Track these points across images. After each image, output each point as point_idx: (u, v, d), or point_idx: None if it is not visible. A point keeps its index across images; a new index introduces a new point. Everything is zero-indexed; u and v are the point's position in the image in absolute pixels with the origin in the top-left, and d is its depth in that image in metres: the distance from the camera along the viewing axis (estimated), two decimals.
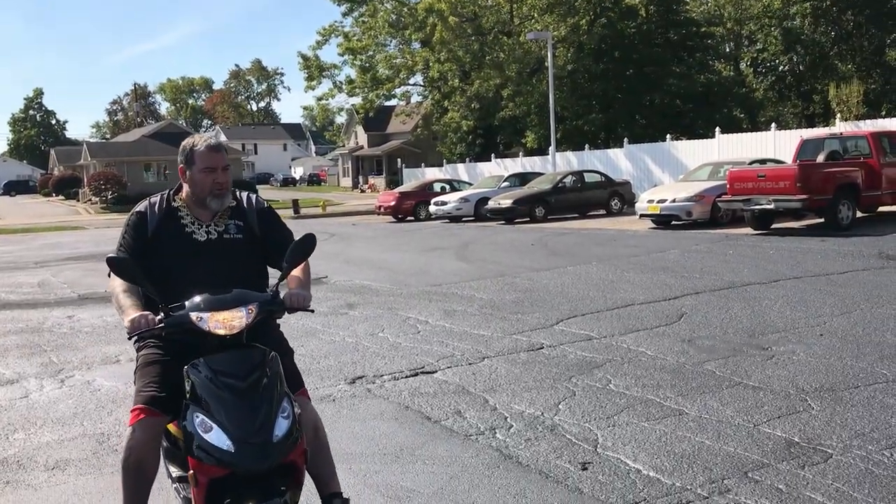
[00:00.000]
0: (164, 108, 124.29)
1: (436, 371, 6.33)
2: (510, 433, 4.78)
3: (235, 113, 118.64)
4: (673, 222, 18.38)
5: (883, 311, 7.53)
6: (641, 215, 19.06)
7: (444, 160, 46.40)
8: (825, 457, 4.11)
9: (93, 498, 4.11)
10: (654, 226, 18.81)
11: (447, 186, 30.93)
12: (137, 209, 3.24)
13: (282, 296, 2.98)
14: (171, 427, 2.98)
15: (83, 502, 4.07)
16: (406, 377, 6.19)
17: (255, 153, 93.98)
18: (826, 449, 4.21)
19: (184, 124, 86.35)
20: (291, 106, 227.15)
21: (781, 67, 44.19)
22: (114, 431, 5.18)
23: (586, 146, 33.93)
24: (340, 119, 69.49)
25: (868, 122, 23.11)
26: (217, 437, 2.58)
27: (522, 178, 27.71)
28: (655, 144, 29.64)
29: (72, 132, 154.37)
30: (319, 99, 49.63)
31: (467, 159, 43.18)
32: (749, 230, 16.08)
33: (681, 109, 40.71)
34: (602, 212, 24.37)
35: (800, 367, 5.81)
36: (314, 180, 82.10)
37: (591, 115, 40.04)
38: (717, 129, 27.04)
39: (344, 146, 73.06)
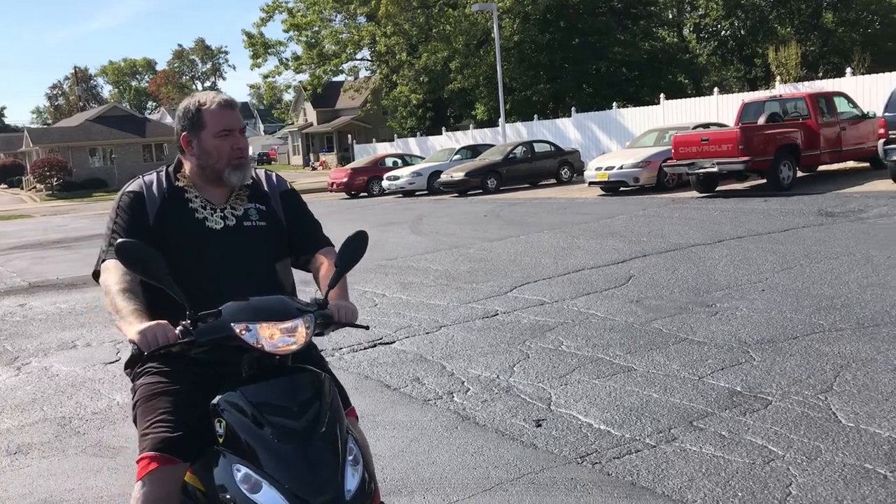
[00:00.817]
0: (106, 91, 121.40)
1: (394, 341, 6.46)
2: (467, 396, 4.94)
3: (181, 94, 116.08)
4: (621, 188, 18.70)
5: (821, 266, 7.85)
6: (590, 183, 19.34)
7: (395, 135, 46.28)
8: (765, 403, 4.34)
9: (58, 479, 4.17)
10: (603, 193, 19.11)
11: (399, 161, 30.93)
12: (130, 188, 2.55)
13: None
14: (188, 476, 2.27)
15: (49, 483, 4.13)
16: (365, 349, 6.31)
17: None
18: (766, 396, 4.45)
19: (128, 107, 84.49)
20: (237, 85, 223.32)
21: (723, 32, 44.85)
22: (75, 415, 5.22)
23: (535, 116, 34.15)
24: (288, 96, 68.61)
25: (806, 83, 23.67)
26: (269, 499, 1.98)
27: (474, 151, 27.82)
28: (602, 113, 29.97)
29: (11, 118, 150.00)
30: (266, 77, 48.92)
31: (418, 133, 43.13)
32: (694, 193, 16.45)
33: (626, 77, 41.13)
34: (552, 181, 24.64)
35: (742, 322, 6.07)
36: (264, 159, 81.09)
37: (538, 85, 40.23)
38: (662, 95, 27.43)
39: (293, 124, 72.24)
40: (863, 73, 23.73)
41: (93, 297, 10.12)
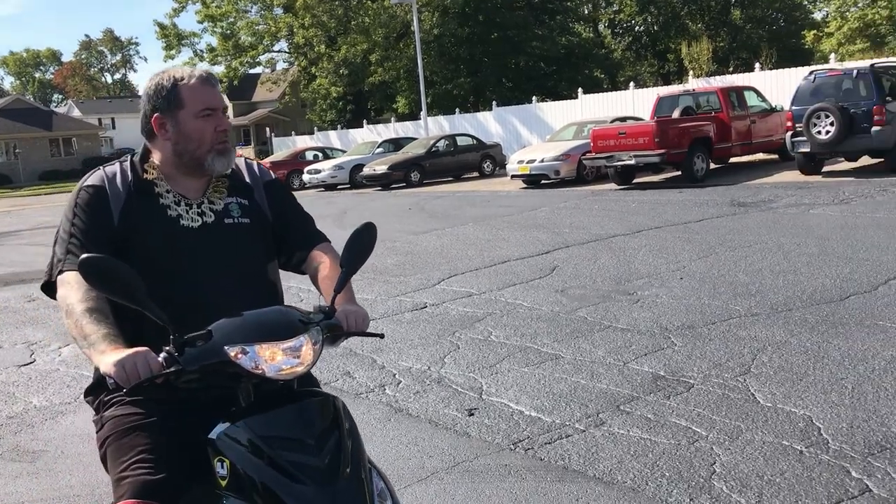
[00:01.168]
0: (7, 82, 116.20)
1: None
2: (399, 388, 4.96)
3: (89, 86, 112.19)
4: (542, 181, 18.98)
5: (735, 254, 8.16)
6: (513, 176, 19.57)
7: (315, 128, 45.78)
8: (688, 386, 4.50)
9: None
10: (524, 186, 19.36)
11: (320, 154, 30.62)
12: (89, 182, 2.15)
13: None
14: None
15: None
16: None
17: (113, 128, 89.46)
18: (688, 380, 4.61)
19: (31, 99, 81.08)
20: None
21: (637, 28, 46.00)
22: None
23: (457, 110, 34.30)
24: None
25: (718, 78, 24.47)
26: None
27: (396, 144, 27.77)
28: (522, 107, 30.34)
29: None
30: None
31: (339, 126, 42.77)
32: (613, 185, 16.83)
33: (545, 71, 41.74)
34: (475, 174, 24.82)
35: (663, 309, 6.26)
36: None
37: (459, 79, 40.44)
38: (580, 89, 27.95)
39: None
40: (770, 69, 24.70)
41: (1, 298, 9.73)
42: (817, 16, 45.14)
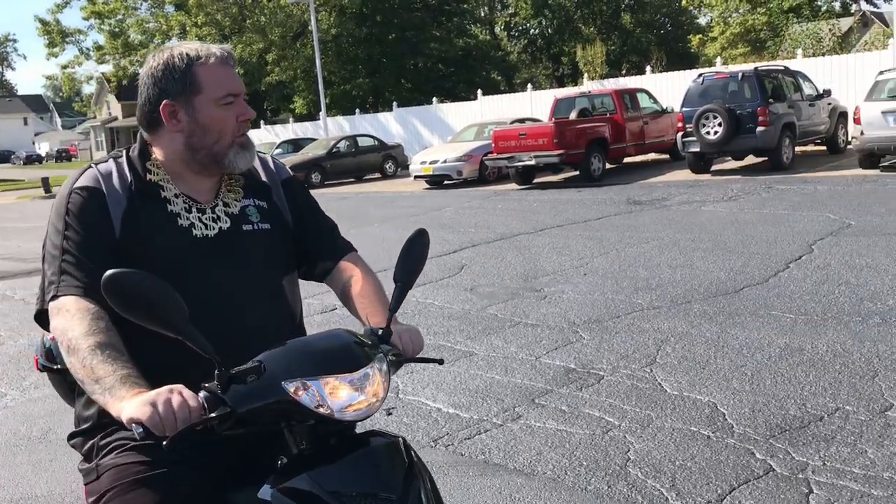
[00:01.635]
0: None
1: None
2: None
3: None
4: (445, 182, 19.13)
5: (634, 250, 8.45)
6: (416, 177, 19.65)
7: None
8: (598, 378, 4.64)
9: None
10: (428, 186, 19.47)
11: None
12: (81, 183, 1.74)
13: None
14: None
15: None
16: None
17: None
18: (598, 372, 4.76)
19: None
20: (30, 75, 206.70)
21: (532, 31, 46.93)
22: None
23: (356, 111, 34.13)
24: (89, 88, 64.47)
25: (611, 80, 25.24)
26: None
27: (295, 145, 27.43)
28: (423, 108, 30.46)
29: None
30: (64, 67, 45.78)
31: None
32: (514, 185, 17.14)
33: (443, 73, 42.04)
34: (377, 175, 24.76)
35: (570, 304, 6.43)
36: (63, 156, 75.57)
37: (358, 79, 40.24)
38: (479, 91, 28.29)
39: (95, 118, 67.81)
40: (661, 71, 25.65)
41: None
42: (702, 21, 47.16)
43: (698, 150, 15.21)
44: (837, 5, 41.29)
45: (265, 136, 35.26)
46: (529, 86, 27.46)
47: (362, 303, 1.88)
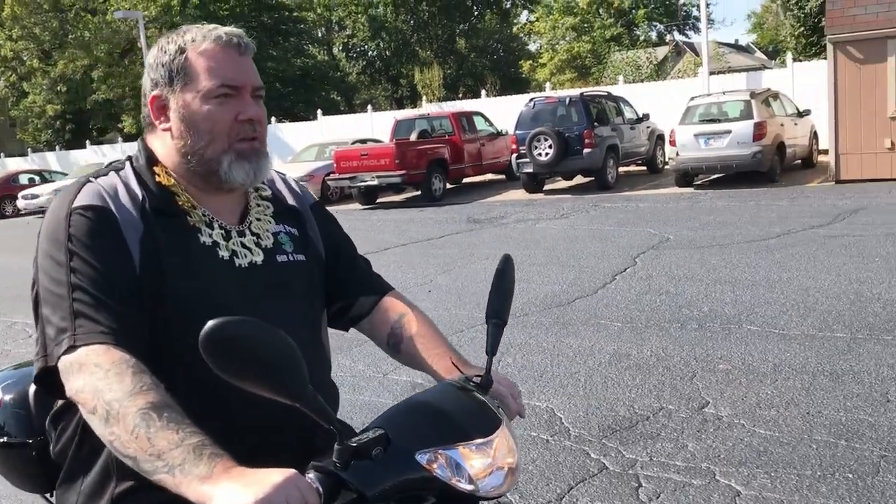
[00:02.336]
0: None
1: None
2: None
3: None
4: None
5: (476, 266, 8.75)
6: None
7: (29, 149, 41.80)
8: None
9: None
10: None
11: (37, 178, 28.05)
12: (83, 202, 1.36)
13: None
14: None
15: None
16: None
17: None
18: None
19: None
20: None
21: (370, 53, 47.32)
22: None
23: None
24: None
25: (449, 103, 25.92)
26: None
27: None
28: None
29: None
30: None
31: (57, 147, 39.41)
32: (357, 205, 17.23)
33: (281, 92, 41.52)
34: None
35: None
36: None
37: None
38: (319, 111, 28.23)
39: None
40: (495, 95, 26.61)
41: None
42: (532, 47, 49.37)
43: (531, 170, 15.92)
44: (654, 35, 44.52)
45: (91, 157, 33.48)
46: (370, 107, 27.73)
47: (425, 344, 1.58)
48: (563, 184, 17.54)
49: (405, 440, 1.19)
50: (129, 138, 36.00)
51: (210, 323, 1.03)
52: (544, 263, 8.57)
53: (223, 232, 1.45)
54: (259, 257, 1.47)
